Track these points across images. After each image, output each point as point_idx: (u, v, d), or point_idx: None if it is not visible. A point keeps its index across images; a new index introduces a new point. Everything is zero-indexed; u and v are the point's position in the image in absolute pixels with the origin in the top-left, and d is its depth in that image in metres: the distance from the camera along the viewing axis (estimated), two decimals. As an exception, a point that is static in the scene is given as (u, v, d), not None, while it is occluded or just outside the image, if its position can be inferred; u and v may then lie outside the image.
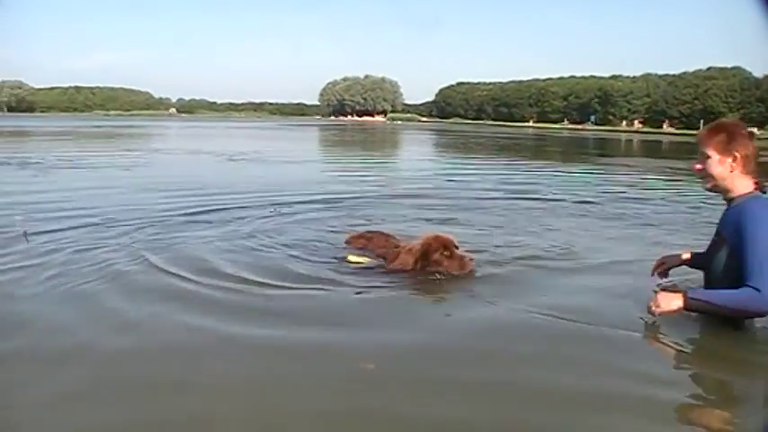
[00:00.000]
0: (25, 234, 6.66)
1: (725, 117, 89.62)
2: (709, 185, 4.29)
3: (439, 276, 5.34)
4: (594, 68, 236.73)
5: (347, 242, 6.58)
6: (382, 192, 12.02)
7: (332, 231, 7.58)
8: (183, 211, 8.71)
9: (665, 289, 4.42)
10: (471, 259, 5.41)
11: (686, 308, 4.04)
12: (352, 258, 5.85)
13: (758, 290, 3.77)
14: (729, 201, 4.23)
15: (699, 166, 4.30)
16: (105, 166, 17.13)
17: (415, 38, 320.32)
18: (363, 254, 6.01)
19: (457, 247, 5.45)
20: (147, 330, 4.15)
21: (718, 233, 4.31)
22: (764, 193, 4.17)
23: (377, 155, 28.98)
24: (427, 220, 8.72)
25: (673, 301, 4.05)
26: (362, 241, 6.40)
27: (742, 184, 4.16)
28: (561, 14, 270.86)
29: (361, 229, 7.14)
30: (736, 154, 4.11)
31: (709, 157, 4.19)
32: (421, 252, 5.38)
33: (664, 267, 4.87)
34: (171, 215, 8.42)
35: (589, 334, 4.16)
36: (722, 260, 4.15)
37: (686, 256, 4.80)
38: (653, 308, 4.11)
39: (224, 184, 12.50)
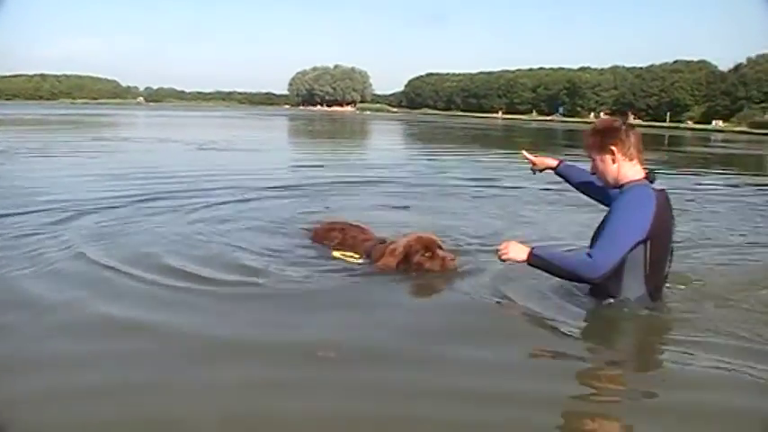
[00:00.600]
0: None
1: (690, 110, 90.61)
2: (607, 184, 4.50)
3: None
4: (563, 60, 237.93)
5: (315, 234, 6.32)
6: (344, 179, 12.10)
7: (284, 221, 7.47)
8: (136, 198, 8.73)
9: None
10: (453, 258, 5.27)
11: (529, 263, 4.26)
12: (337, 254, 5.68)
13: (590, 257, 4.08)
14: (621, 187, 4.38)
15: (593, 171, 4.53)
16: (72, 153, 16.93)
17: (385, 28, 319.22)
18: (340, 249, 5.80)
19: (440, 247, 5.33)
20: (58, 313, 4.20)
21: (603, 219, 4.43)
22: (652, 181, 4.34)
23: (344, 144, 28.96)
24: (390, 206, 8.93)
25: (520, 254, 4.27)
26: (335, 234, 6.07)
27: (630, 171, 4.34)
28: (531, 6, 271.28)
29: (317, 217, 7.26)
30: (612, 148, 4.32)
31: (594, 159, 4.45)
32: (403, 254, 5.25)
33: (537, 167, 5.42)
34: (126, 201, 8.43)
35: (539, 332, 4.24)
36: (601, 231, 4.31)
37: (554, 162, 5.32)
38: (501, 253, 4.34)
39: (187, 171, 12.59)
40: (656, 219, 4.11)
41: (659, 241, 4.18)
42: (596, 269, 4.05)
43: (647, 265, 4.18)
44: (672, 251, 4.37)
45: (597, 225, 4.42)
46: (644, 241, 4.11)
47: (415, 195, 10.07)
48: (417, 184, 11.72)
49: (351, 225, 6.26)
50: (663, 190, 4.31)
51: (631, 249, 4.09)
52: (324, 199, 9.44)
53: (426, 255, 5.23)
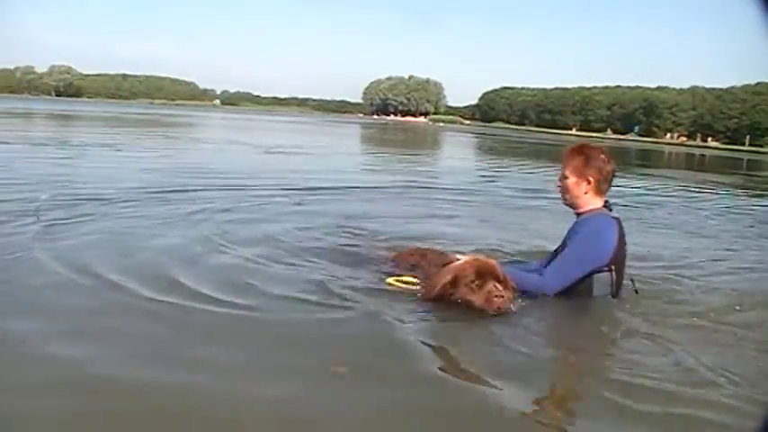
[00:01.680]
0: (37, 212, 6.69)
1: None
2: (566, 201, 4.73)
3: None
4: (640, 79, 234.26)
5: (398, 258, 5.45)
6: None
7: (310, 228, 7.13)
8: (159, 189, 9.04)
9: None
10: (502, 296, 4.17)
11: None
12: (391, 280, 4.77)
13: (542, 276, 4.51)
14: (578, 215, 4.67)
15: (559, 184, 4.73)
16: (139, 150, 17.39)
17: (460, 40, 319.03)
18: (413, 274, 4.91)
19: (499, 279, 4.27)
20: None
21: (563, 241, 4.70)
22: (610, 210, 4.69)
23: (415, 154, 28.91)
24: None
25: None
26: (416, 258, 5.27)
27: (592, 203, 4.64)
28: (609, 22, 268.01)
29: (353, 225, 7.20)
30: (590, 178, 4.58)
31: (567, 177, 4.64)
32: (452, 278, 4.34)
33: None
34: (147, 192, 8.73)
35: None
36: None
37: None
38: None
39: (239, 171, 12.74)
40: (618, 245, 4.50)
41: (621, 266, 4.57)
42: (547, 289, 4.49)
43: (615, 287, 4.55)
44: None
45: (558, 245, 4.73)
46: (608, 267, 4.48)
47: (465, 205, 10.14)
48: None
49: (432, 250, 5.50)
50: (618, 218, 4.65)
51: (592, 274, 4.46)
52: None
53: (475, 284, 4.26)
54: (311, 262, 5.45)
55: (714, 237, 8.57)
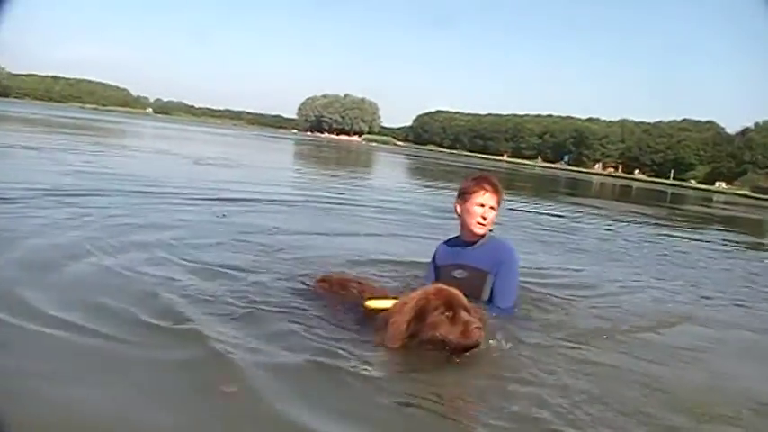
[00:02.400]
0: None
1: (695, 169, 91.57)
2: (479, 232, 4.81)
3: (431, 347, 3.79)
4: (572, 109, 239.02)
5: (327, 284, 4.88)
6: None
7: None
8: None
9: None
10: (479, 327, 3.75)
11: None
12: (373, 303, 4.21)
13: (505, 309, 4.73)
14: (474, 241, 4.84)
15: (486, 216, 4.79)
16: (60, 150, 17.21)
17: (396, 61, 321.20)
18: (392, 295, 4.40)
19: (466, 309, 3.82)
20: None
21: (461, 266, 4.84)
22: None
23: (346, 173, 28.88)
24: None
25: None
26: (353, 285, 4.75)
27: None
28: (543, 53, 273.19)
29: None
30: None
31: (493, 208, 4.81)
32: (414, 311, 3.81)
33: None
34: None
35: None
36: (489, 286, 4.77)
37: None
38: None
39: (156, 179, 12.56)
40: None
41: None
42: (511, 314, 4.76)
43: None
44: None
45: (455, 275, 4.80)
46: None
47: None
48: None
49: (350, 278, 4.96)
50: None
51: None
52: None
53: (446, 314, 3.77)
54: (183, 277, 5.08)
55: (620, 261, 9.05)
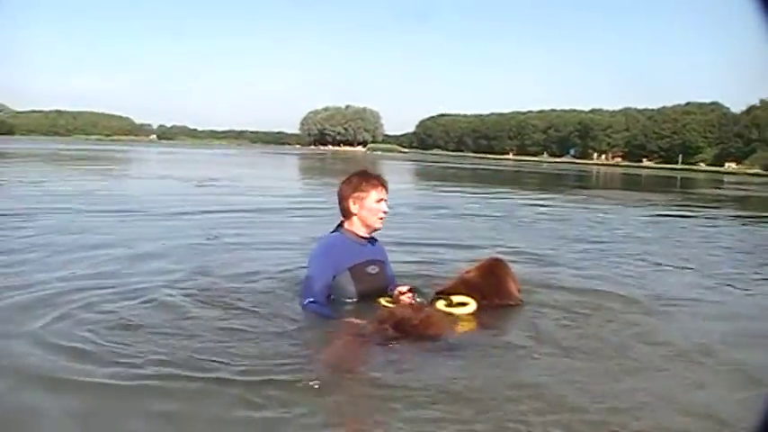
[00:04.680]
0: None
1: (703, 152, 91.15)
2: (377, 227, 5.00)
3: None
4: (574, 102, 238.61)
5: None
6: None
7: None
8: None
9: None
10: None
11: None
12: (441, 304, 4.53)
13: None
14: (370, 236, 5.03)
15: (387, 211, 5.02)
16: (61, 183, 17.34)
17: (397, 68, 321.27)
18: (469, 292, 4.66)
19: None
20: None
21: (372, 261, 4.97)
22: None
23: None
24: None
25: None
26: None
27: None
28: (541, 48, 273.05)
29: None
30: None
31: (386, 201, 4.97)
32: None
33: None
34: None
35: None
36: (389, 276, 5.09)
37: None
38: None
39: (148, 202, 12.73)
40: None
41: None
42: None
43: None
44: None
45: (370, 271, 4.94)
46: None
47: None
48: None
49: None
50: None
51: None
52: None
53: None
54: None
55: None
